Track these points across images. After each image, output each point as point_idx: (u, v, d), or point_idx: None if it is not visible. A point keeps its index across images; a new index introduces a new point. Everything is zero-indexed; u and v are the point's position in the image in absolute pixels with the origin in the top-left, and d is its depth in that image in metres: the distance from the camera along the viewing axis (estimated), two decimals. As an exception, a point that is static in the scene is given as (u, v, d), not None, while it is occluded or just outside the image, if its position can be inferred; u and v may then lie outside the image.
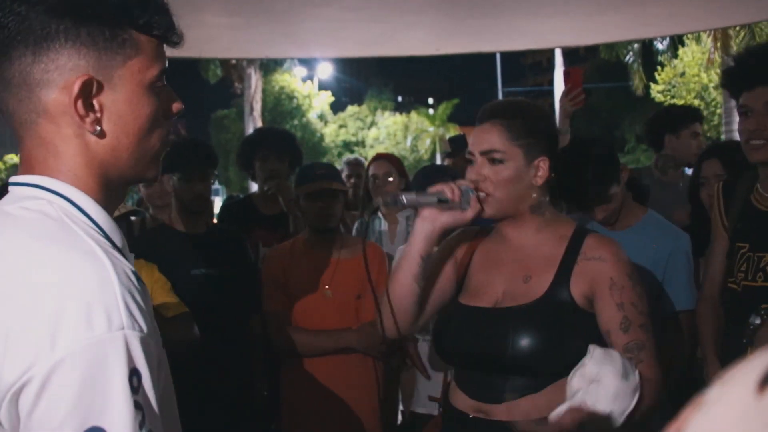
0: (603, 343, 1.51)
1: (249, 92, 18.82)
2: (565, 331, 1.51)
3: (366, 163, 3.81)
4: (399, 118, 29.14)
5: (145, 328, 0.78)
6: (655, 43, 14.70)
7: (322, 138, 27.22)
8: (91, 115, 0.84)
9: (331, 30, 4.56)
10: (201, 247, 2.48)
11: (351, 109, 29.93)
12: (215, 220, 3.44)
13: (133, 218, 3.12)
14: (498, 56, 23.64)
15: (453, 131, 23.22)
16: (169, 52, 0.92)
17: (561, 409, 1.39)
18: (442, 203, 1.53)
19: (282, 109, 25.08)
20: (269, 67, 22.44)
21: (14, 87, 0.84)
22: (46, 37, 0.81)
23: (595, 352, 1.43)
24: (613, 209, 2.20)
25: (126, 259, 0.86)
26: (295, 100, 25.46)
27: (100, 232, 0.85)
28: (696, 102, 16.64)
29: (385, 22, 4.36)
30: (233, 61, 17.15)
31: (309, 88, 26.26)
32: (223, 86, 19.99)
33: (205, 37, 4.07)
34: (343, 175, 3.98)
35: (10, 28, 0.81)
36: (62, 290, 0.75)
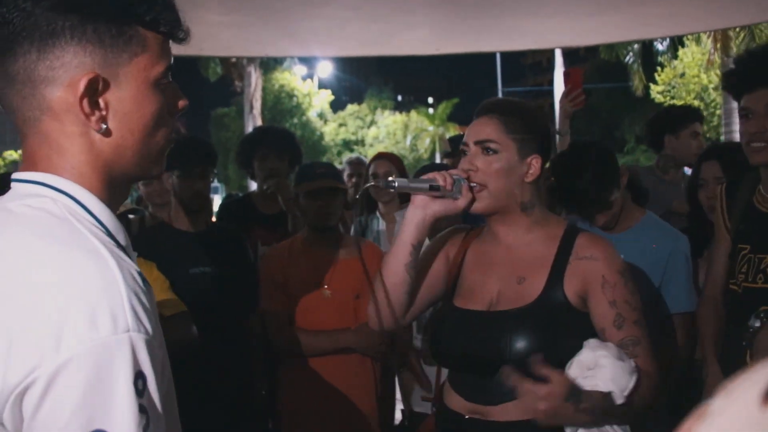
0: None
1: (249, 90, 18.82)
2: (560, 331, 1.52)
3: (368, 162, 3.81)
4: (399, 117, 29.16)
5: (150, 330, 0.77)
6: (655, 43, 14.71)
7: (321, 137, 27.23)
8: (97, 113, 0.83)
9: (332, 29, 4.56)
10: (200, 245, 2.47)
11: (351, 107, 29.94)
12: (214, 219, 3.43)
13: (131, 216, 3.12)
14: (498, 56, 23.65)
15: (452, 131, 23.25)
16: (169, 49, 0.91)
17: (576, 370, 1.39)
18: (434, 190, 1.53)
19: (282, 107, 25.09)
20: (269, 65, 22.45)
21: (18, 84, 0.82)
22: (52, 34, 0.80)
23: (590, 341, 1.45)
24: (614, 214, 2.21)
25: (130, 258, 0.85)
26: (295, 99, 25.48)
27: (105, 231, 0.84)
28: (695, 103, 16.64)
29: (385, 21, 4.35)
30: (233, 60, 17.14)
31: (309, 87, 26.27)
32: (223, 84, 19.98)
33: (205, 35, 4.06)
34: (345, 174, 3.98)
35: (14, 24, 0.80)
36: (67, 291, 0.74)
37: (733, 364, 1.91)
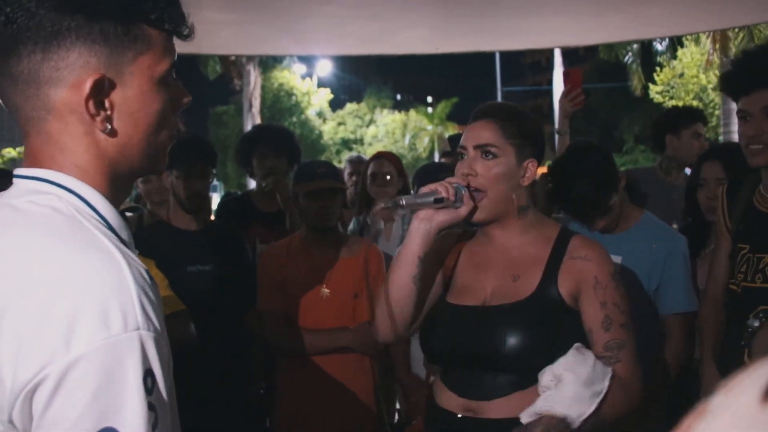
0: (589, 341, 1.54)
1: (248, 89, 18.81)
2: (554, 328, 1.54)
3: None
4: (398, 116, 29.15)
5: (158, 326, 0.77)
6: (654, 43, 14.71)
7: (320, 135, 27.21)
8: (102, 114, 0.82)
9: (331, 27, 4.56)
10: (199, 243, 2.47)
11: (350, 106, 29.92)
12: (213, 217, 3.43)
13: (129, 214, 3.11)
14: (497, 55, 23.65)
15: (451, 130, 23.23)
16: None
17: (530, 411, 1.44)
18: (438, 203, 1.55)
19: (281, 106, 25.06)
20: (268, 63, 22.41)
21: (22, 84, 0.81)
22: (57, 35, 0.79)
23: (570, 351, 1.47)
24: (612, 217, 2.21)
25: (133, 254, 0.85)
26: (294, 97, 25.45)
27: (109, 228, 0.84)
28: (694, 103, 16.64)
29: (384, 20, 4.35)
30: (232, 58, 17.12)
31: (308, 86, 26.24)
32: (222, 82, 19.96)
33: (205, 33, 4.05)
34: (345, 172, 3.97)
35: (18, 24, 0.78)
36: (77, 289, 0.74)
37: (731, 363, 1.91)
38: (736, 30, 10.68)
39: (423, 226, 1.59)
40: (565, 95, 2.93)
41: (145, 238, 2.51)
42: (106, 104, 0.83)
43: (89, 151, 0.84)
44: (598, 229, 2.22)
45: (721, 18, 5.02)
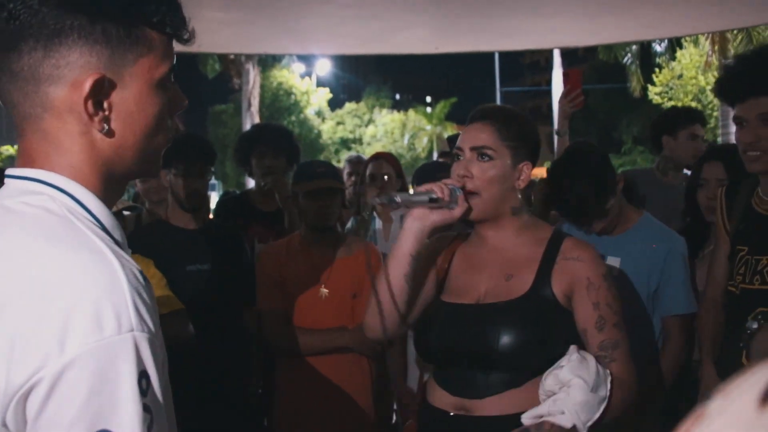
0: (582, 341, 1.56)
1: (247, 88, 18.80)
2: (548, 327, 1.55)
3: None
4: (397, 116, 29.14)
5: (152, 327, 0.77)
6: (653, 45, 14.73)
7: (319, 135, 27.20)
8: (100, 114, 0.82)
9: (331, 27, 4.55)
10: (198, 243, 2.47)
11: (349, 106, 29.92)
12: (211, 216, 3.43)
13: (127, 213, 3.11)
14: (496, 55, 23.64)
15: (450, 130, 23.23)
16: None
17: (535, 413, 1.44)
18: (433, 202, 1.56)
19: (280, 105, 25.05)
20: (267, 62, 22.42)
21: (21, 80, 0.81)
22: (59, 33, 0.79)
23: (573, 356, 1.47)
24: (610, 220, 2.21)
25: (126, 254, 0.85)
26: (293, 96, 25.43)
27: (102, 229, 0.83)
28: (693, 104, 16.66)
29: (384, 19, 4.35)
30: (232, 57, 17.12)
31: (307, 85, 26.23)
32: (221, 81, 19.97)
33: (204, 32, 4.04)
34: (345, 172, 3.97)
35: (21, 21, 0.79)
36: (71, 291, 0.74)
37: (730, 365, 1.91)
38: (735, 31, 10.70)
39: (417, 224, 1.60)
40: (564, 96, 2.93)
41: (144, 236, 2.52)
42: (105, 105, 0.83)
43: (85, 151, 0.84)
44: (595, 232, 2.22)
45: (720, 19, 5.03)
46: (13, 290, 0.74)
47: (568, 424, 1.40)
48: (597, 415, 1.43)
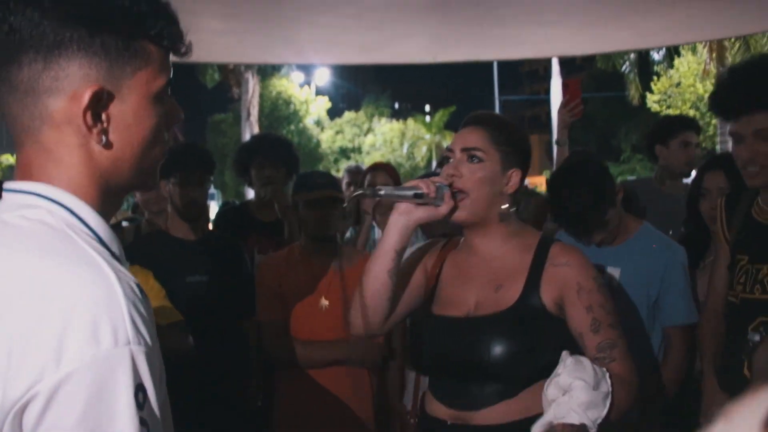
0: (574, 347, 1.55)
1: (246, 97, 18.84)
2: (538, 336, 1.55)
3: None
4: (396, 125, 29.18)
5: (149, 341, 0.77)
6: (651, 53, 14.79)
7: (318, 144, 27.23)
8: (99, 126, 0.83)
9: (329, 36, 4.57)
10: (197, 253, 2.46)
11: (348, 115, 29.97)
12: (211, 226, 3.42)
13: (125, 224, 3.11)
14: (495, 64, 23.73)
15: (449, 139, 23.25)
16: (167, 56, 0.92)
17: (543, 421, 1.44)
18: (418, 197, 1.57)
19: (279, 114, 25.08)
20: (267, 72, 22.45)
21: (20, 92, 0.82)
22: (59, 45, 0.80)
23: (567, 361, 1.47)
24: (609, 231, 2.21)
25: (123, 267, 0.85)
26: (292, 106, 25.47)
27: (99, 242, 0.83)
28: (691, 112, 16.70)
29: (383, 29, 4.37)
30: (231, 66, 17.16)
31: (306, 94, 26.27)
32: (220, 91, 20.00)
33: (204, 42, 4.07)
34: (344, 182, 3.97)
35: (21, 33, 0.79)
36: (67, 305, 0.74)
37: (732, 377, 1.90)
38: (732, 40, 10.75)
39: (402, 220, 1.61)
40: (564, 106, 2.93)
41: (143, 247, 2.51)
42: (103, 117, 0.83)
43: (83, 163, 0.84)
44: (595, 243, 2.21)
45: (718, 28, 5.05)
46: (9, 304, 0.74)
47: (577, 422, 1.40)
48: (604, 411, 1.43)
